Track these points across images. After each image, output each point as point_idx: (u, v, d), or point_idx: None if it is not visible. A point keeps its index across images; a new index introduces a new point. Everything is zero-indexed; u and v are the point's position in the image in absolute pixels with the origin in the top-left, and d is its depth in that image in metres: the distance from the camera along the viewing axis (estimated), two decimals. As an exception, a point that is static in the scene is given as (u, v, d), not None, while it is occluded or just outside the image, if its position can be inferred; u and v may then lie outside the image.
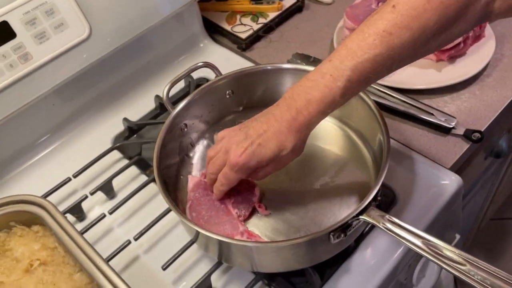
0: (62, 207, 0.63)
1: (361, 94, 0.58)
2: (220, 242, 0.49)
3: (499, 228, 1.59)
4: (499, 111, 0.69)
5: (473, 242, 1.50)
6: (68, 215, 0.63)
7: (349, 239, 0.53)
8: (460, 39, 0.71)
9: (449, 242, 0.78)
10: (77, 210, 0.63)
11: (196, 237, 0.54)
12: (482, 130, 0.66)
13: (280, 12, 0.88)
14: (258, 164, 0.50)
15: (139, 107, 0.77)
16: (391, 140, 0.66)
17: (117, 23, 0.69)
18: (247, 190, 0.59)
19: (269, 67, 0.63)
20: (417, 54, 0.46)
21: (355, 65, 0.44)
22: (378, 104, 0.69)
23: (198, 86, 0.66)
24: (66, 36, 0.64)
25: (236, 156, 0.50)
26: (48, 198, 0.63)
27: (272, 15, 0.88)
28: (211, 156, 0.54)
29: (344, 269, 0.56)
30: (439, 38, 0.44)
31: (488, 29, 0.76)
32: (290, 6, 0.89)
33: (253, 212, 0.58)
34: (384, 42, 0.43)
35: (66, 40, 0.64)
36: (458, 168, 0.67)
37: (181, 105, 0.61)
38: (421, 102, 0.69)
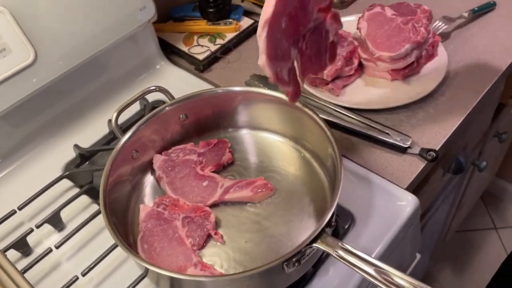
0: (5, 242, 0.59)
1: (312, 114, 0.58)
2: (171, 277, 0.47)
3: (465, 240, 1.62)
4: (453, 129, 0.69)
5: (439, 255, 1.51)
6: (12, 251, 0.59)
7: (305, 267, 0.52)
8: (413, 58, 0.72)
9: (410, 262, 0.79)
10: (22, 245, 0.60)
11: (146, 272, 0.51)
12: (437, 148, 0.66)
13: (237, 33, 0.87)
14: None
15: (92, 132, 0.74)
16: (348, 161, 0.66)
17: (66, 46, 0.67)
18: (202, 217, 0.57)
19: (220, 91, 0.62)
20: None
21: None
22: (334, 124, 0.69)
23: (154, 108, 0.64)
24: (9, 62, 0.61)
25: None
26: (-9, 233, 0.60)
27: (229, 35, 0.87)
28: None
29: (302, 297, 0.54)
30: None
31: (441, 48, 0.78)
32: (248, 27, 0.88)
33: (208, 240, 0.57)
34: None
35: (9, 65, 0.61)
36: (416, 186, 0.68)
37: (131, 131, 0.59)
38: (377, 122, 0.69)
